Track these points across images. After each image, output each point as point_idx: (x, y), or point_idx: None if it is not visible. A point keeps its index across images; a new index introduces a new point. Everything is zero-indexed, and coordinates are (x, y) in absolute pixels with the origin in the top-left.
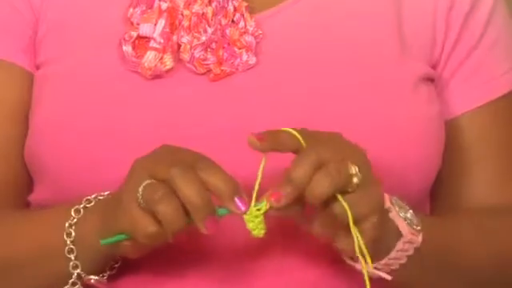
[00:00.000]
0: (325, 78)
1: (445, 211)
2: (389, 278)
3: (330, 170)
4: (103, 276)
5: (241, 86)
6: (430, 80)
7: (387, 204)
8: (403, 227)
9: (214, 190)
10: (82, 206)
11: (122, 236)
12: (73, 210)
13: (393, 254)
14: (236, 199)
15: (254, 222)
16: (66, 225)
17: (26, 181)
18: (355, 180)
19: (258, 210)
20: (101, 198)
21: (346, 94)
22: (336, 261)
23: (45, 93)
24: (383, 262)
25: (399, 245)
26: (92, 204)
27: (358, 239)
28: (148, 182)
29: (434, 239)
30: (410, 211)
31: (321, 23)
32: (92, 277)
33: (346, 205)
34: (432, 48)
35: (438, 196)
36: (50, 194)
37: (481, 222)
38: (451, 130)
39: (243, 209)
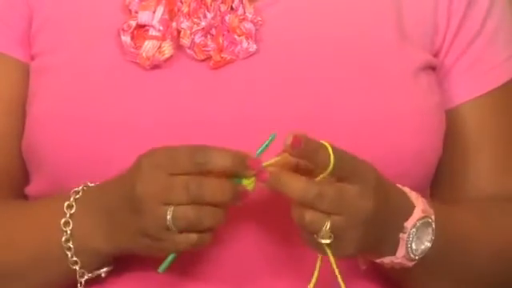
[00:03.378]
0: (324, 66)
1: (445, 200)
2: (363, 266)
3: (306, 218)
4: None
5: (241, 74)
6: (432, 68)
7: (407, 224)
8: (400, 251)
9: (227, 171)
10: (71, 200)
11: (172, 255)
12: (65, 205)
13: (378, 261)
14: (248, 165)
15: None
16: (62, 222)
17: (23, 173)
18: (322, 239)
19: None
20: (85, 188)
21: (344, 82)
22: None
23: (42, 84)
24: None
25: (387, 259)
26: (80, 195)
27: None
28: (171, 210)
29: (443, 244)
30: (427, 244)
31: (320, 11)
32: (102, 270)
33: (328, 251)
34: (433, 37)
35: (438, 185)
36: (47, 186)
37: (485, 217)
38: (452, 120)
39: (258, 165)
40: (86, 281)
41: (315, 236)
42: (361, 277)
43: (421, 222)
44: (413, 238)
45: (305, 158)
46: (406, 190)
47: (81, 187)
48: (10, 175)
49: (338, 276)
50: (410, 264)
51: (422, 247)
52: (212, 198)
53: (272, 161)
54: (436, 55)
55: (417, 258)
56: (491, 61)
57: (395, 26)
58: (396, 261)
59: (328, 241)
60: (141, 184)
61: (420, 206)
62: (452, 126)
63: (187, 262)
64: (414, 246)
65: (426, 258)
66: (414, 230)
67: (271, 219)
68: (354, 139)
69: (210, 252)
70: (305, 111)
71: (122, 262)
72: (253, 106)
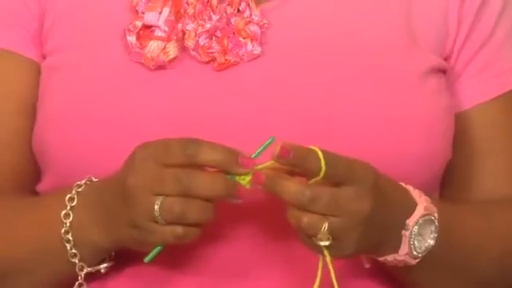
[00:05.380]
0: (330, 69)
1: (455, 201)
2: (366, 265)
3: (303, 219)
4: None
5: (245, 76)
6: (442, 72)
7: (409, 221)
8: (403, 248)
9: (217, 165)
10: (73, 192)
11: (159, 247)
12: (67, 198)
13: (381, 259)
14: (240, 161)
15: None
16: (62, 214)
17: (34, 171)
18: (320, 241)
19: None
20: (88, 183)
21: (351, 85)
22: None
23: (53, 83)
24: (372, 257)
25: (390, 257)
26: (82, 189)
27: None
28: (159, 201)
29: (447, 243)
30: (430, 241)
31: (327, 14)
32: (102, 266)
33: (326, 253)
34: (444, 40)
35: (447, 187)
36: (57, 183)
37: (490, 219)
38: (461, 123)
39: (250, 164)
40: (86, 276)
41: (313, 238)
42: (364, 276)
43: (423, 219)
44: (415, 235)
45: (295, 166)
46: (409, 188)
47: (84, 181)
48: (21, 173)
49: (334, 280)
50: (414, 262)
51: (426, 244)
52: (202, 191)
53: (268, 163)
54: (447, 59)
55: (420, 255)
56: (502, 65)
57: (404, 29)
58: (399, 258)
59: (327, 243)
60: (133, 175)
61: (422, 203)
62: (461, 129)
63: (183, 257)
64: (416, 244)
65: (429, 256)
66: (416, 227)
67: (268, 215)
68: (360, 141)
69: (206, 247)
70: (309, 114)
71: (121, 258)
72: (256, 107)
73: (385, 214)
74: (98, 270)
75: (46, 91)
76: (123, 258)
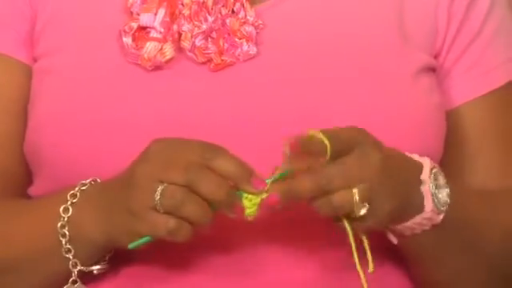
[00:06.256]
0: (325, 69)
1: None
2: (395, 241)
3: (333, 201)
4: (104, 263)
5: (241, 77)
6: (432, 70)
7: (423, 176)
8: (428, 204)
9: (229, 176)
10: (77, 189)
11: (147, 238)
12: (69, 194)
13: (408, 224)
14: (252, 180)
15: (251, 203)
16: (61, 208)
17: (25, 174)
18: (359, 211)
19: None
20: (93, 183)
21: (345, 85)
22: (338, 260)
23: (45, 86)
24: (399, 227)
25: (417, 218)
26: (86, 187)
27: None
28: (162, 188)
29: (457, 217)
30: (447, 190)
31: (321, 14)
32: (94, 267)
33: (348, 227)
34: (434, 38)
35: None
36: (49, 186)
37: (493, 202)
38: (452, 120)
39: (260, 188)
40: (82, 277)
41: (353, 215)
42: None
43: (434, 171)
44: (434, 187)
45: (306, 153)
46: (406, 153)
47: (89, 180)
48: (12, 176)
49: (368, 253)
50: (439, 218)
51: (445, 194)
52: (204, 190)
53: (276, 176)
54: (436, 57)
55: (444, 208)
56: (491, 62)
57: (396, 28)
58: (426, 216)
59: (365, 209)
60: (143, 163)
61: (425, 159)
62: (452, 126)
63: (179, 258)
64: (439, 196)
65: (444, 222)
66: (432, 179)
67: (273, 214)
68: None
69: (211, 247)
70: (305, 113)
71: (118, 260)
72: (252, 108)
73: (396, 165)
74: (91, 271)
75: (38, 93)
76: (120, 258)
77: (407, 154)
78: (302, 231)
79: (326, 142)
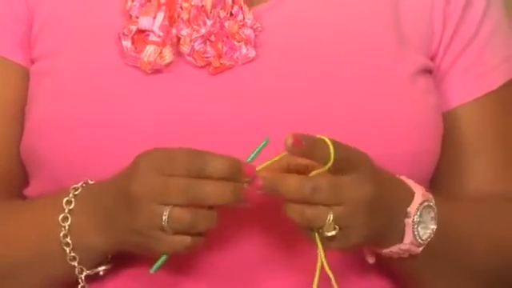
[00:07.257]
0: (323, 71)
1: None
2: (371, 260)
3: (306, 212)
4: (108, 264)
5: (240, 80)
6: (429, 72)
7: (410, 208)
8: (408, 237)
9: (225, 176)
10: (71, 195)
11: (165, 256)
12: (64, 201)
13: (386, 251)
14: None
15: None
16: (60, 217)
17: (22, 175)
18: (327, 232)
19: None
20: (85, 186)
21: (343, 87)
22: (339, 263)
23: (43, 88)
24: (376, 251)
25: (395, 247)
26: (79, 192)
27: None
28: (167, 212)
29: (445, 242)
30: (432, 227)
31: (319, 16)
32: (100, 268)
33: (318, 240)
34: (430, 40)
35: (436, 186)
36: (46, 188)
37: (480, 215)
38: (449, 122)
39: (253, 171)
40: (85, 278)
41: (320, 230)
42: (365, 275)
43: (423, 205)
44: (418, 222)
45: (306, 155)
46: (403, 178)
47: (80, 184)
48: (8, 177)
49: (328, 271)
50: (418, 250)
51: (428, 231)
52: (212, 200)
53: (264, 165)
54: (433, 58)
55: (423, 242)
56: (487, 63)
57: (393, 31)
58: (404, 248)
59: (333, 232)
60: (137, 183)
61: (419, 190)
62: (449, 128)
63: (186, 262)
64: (420, 230)
65: (430, 246)
66: (418, 213)
67: (272, 220)
68: (352, 142)
69: (211, 253)
70: (303, 116)
71: (121, 260)
72: (251, 111)
73: (386, 199)
74: (97, 273)
75: (35, 95)
76: (123, 259)
77: (404, 179)
78: (298, 240)
79: (332, 153)
